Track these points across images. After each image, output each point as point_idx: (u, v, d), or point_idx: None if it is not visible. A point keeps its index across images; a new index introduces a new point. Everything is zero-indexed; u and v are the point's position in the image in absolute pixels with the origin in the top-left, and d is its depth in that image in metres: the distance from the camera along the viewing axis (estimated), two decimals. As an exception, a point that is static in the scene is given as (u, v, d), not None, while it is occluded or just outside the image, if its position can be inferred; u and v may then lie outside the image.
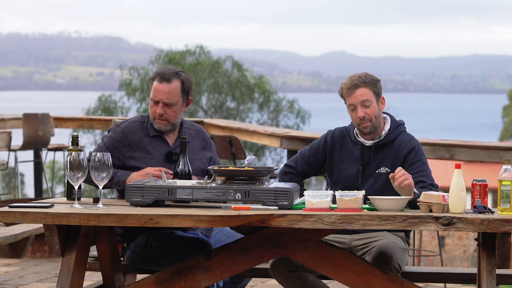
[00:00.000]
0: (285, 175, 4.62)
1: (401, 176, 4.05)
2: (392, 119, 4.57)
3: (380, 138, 4.49)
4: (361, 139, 4.52)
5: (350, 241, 4.46)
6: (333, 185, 4.54)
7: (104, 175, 3.95)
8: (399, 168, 4.12)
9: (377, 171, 4.45)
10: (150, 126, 4.55)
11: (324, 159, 4.60)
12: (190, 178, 4.32)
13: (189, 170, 4.34)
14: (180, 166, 4.34)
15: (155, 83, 4.52)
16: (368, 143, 4.50)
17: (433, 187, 4.32)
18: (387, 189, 4.31)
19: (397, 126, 4.53)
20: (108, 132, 4.59)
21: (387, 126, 4.51)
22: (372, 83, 4.46)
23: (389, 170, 4.41)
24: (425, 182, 4.34)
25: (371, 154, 4.49)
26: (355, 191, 3.92)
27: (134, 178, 4.36)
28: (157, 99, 4.50)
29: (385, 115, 4.55)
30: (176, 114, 4.54)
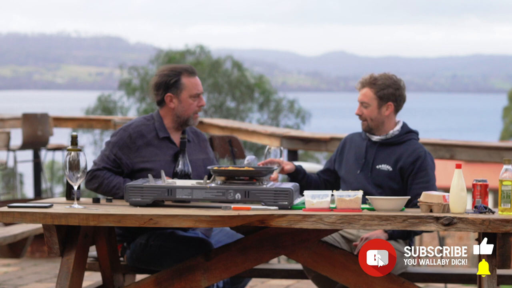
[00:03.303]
0: (322, 173, 4.74)
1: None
2: (405, 125, 4.64)
3: (387, 136, 4.56)
4: (369, 134, 4.61)
5: (357, 231, 4.51)
6: (342, 182, 4.64)
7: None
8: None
9: (377, 167, 4.50)
10: (160, 127, 4.48)
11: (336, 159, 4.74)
12: (190, 178, 4.31)
13: (188, 170, 4.33)
14: (179, 166, 4.33)
15: (189, 79, 4.49)
16: (374, 138, 4.59)
17: None
18: (385, 185, 4.36)
19: (409, 132, 4.61)
20: (112, 137, 4.44)
21: (397, 128, 4.59)
22: (380, 87, 4.51)
23: (390, 169, 4.47)
24: None
25: (374, 149, 4.55)
26: (355, 191, 3.93)
27: None
28: (199, 92, 4.52)
29: (398, 119, 4.63)
30: None
